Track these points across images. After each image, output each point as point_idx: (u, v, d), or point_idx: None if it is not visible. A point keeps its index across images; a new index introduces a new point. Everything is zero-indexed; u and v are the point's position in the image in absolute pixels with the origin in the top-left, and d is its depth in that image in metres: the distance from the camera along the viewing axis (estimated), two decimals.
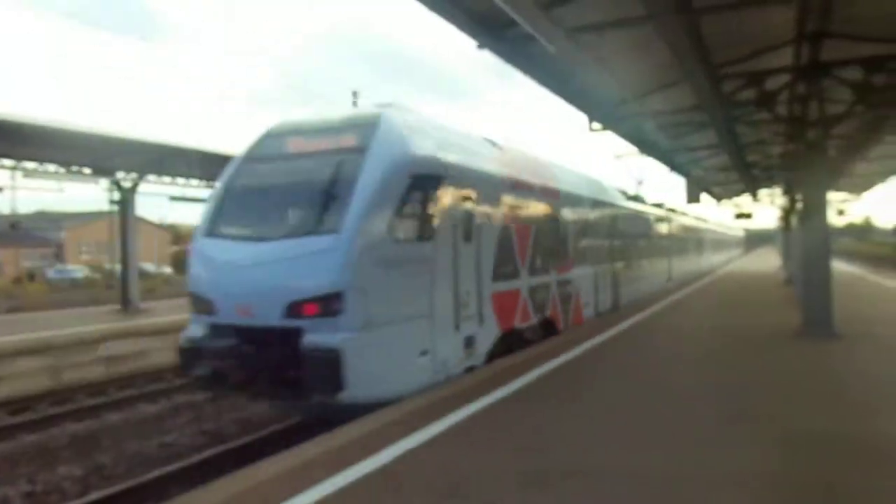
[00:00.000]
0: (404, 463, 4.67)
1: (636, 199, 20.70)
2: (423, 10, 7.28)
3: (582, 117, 13.36)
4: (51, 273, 45.27)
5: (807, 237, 10.71)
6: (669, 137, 15.11)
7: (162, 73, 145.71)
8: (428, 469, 4.56)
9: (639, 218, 19.80)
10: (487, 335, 8.88)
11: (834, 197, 28.36)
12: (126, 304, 17.54)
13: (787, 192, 24.31)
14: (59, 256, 57.27)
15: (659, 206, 24.28)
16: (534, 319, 10.60)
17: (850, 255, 59.96)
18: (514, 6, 6.57)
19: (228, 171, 8.14)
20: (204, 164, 18.25)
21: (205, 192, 19.31)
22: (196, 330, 7.29)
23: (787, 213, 26.35)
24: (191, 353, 7.18)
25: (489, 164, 9.54)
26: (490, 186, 9.25)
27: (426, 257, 7.55)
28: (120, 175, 16.69)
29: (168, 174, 17.83)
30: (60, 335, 12.89)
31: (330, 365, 6.37)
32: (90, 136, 14.71)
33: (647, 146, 17.38)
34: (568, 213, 12.68)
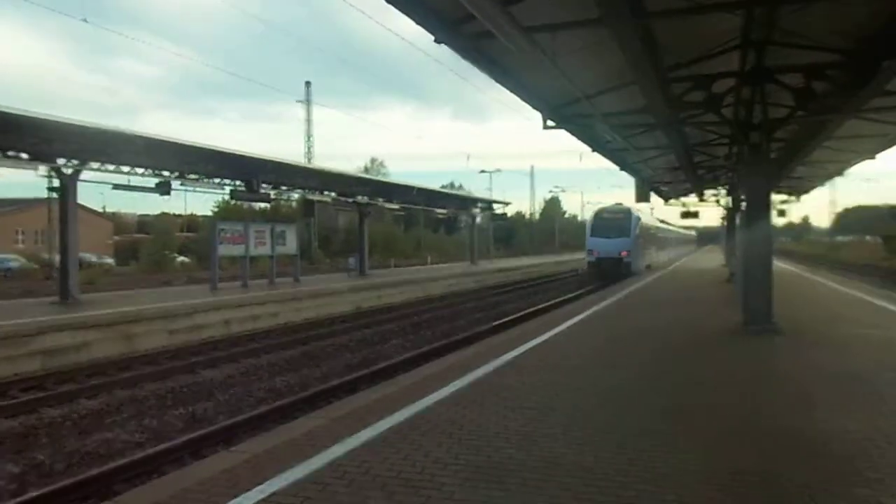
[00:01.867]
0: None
1: (658, 220, 47.72)
2: (381, 3, 7.21)
3: (536, 115, 13.50)
4: None
5: (749, 236, 11.07)
6: (620, 137, 15.38)
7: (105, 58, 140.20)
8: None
9: (663, 229, 48.36)
10: (645, 263, 36.74)
11: (776, 198, 29.39)
12: (65, 296, 16.89)
13: (731, 192, 25.10)
14: None
15: (662, 221, 51.10)
16: (648, 262, 37.96)
17: (788, 254, 62.41)
18: (473, 2, 6.55)
19: (590, 219, 37.03)
20: (150, 152, 17.66)
21: (150, 181, 18.75)
22: (591, 258, 34.36)
23: (731, 212, 27.22)
24: (591, 265, 34.57)
25: (644, 217, 38.54)
26: (645, 224, 38.66)
27: (641, 243, 36.00)
28: (61, 161, 16.01)
29: (112, 162, 17.22)
30: None
31: (628, 265, 32.79)
32: (29, 120, 14.07)
33: (598, 145, 17.66)
34: (655, 232, 43.91)
